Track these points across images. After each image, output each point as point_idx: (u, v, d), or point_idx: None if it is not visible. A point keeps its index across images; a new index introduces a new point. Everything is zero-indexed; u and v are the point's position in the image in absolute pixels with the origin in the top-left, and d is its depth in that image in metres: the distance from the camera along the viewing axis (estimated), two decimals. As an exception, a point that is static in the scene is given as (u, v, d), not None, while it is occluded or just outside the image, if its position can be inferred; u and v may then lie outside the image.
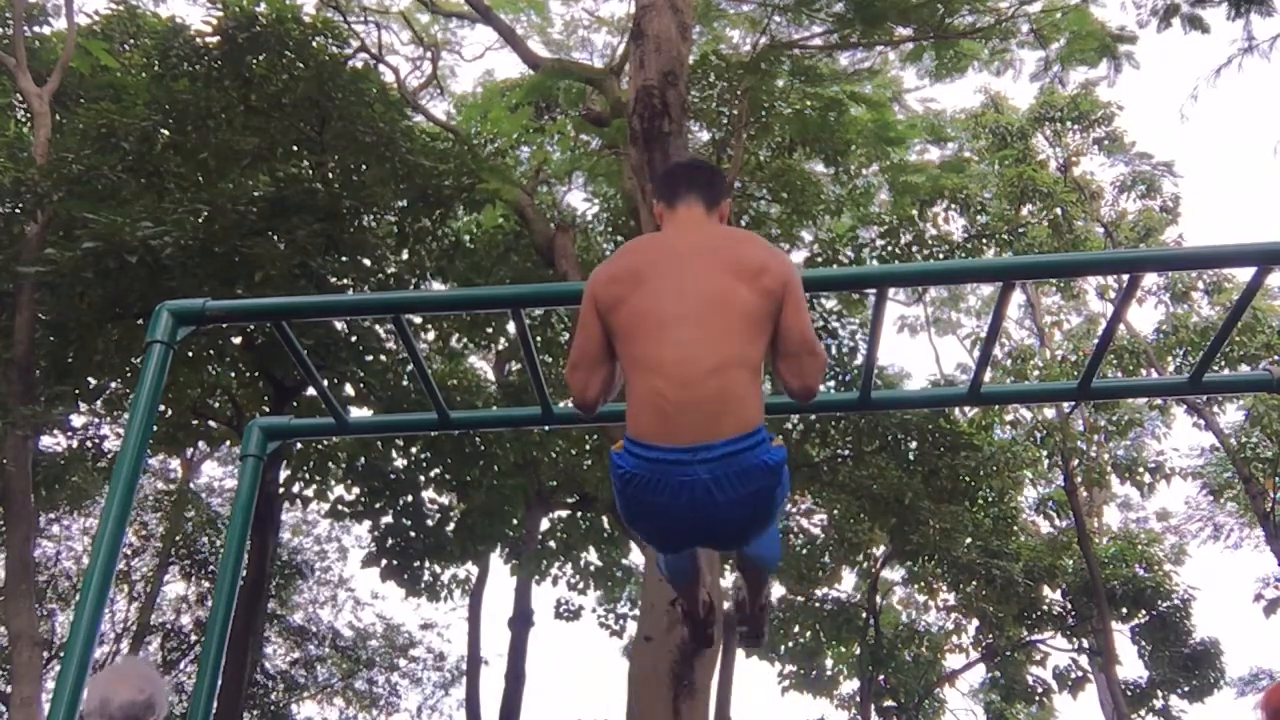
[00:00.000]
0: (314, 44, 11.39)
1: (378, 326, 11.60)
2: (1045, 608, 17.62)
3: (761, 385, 2.45)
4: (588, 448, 14.67)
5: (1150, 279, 18.37)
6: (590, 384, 2.55)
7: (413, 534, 14.05)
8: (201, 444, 16.44)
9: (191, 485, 19.78)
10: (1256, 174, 57.18)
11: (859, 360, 14.11)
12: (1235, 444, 17.37)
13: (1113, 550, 19.13)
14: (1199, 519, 22.47)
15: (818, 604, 18.22)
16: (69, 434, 13.65)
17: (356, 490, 13.77)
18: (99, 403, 12.81)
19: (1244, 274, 3.16)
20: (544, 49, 17.72)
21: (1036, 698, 18.85)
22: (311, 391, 11.45)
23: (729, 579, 11.94)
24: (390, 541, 14.03)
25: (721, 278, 2.43)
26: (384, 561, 14.12)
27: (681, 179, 2.75)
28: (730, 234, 2.64)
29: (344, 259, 11.14)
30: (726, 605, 10.58)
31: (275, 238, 10.28)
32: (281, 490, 13.16)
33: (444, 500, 14.80)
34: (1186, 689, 18.16)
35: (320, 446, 12.98)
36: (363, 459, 13.09)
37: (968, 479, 15.04)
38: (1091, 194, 20.47)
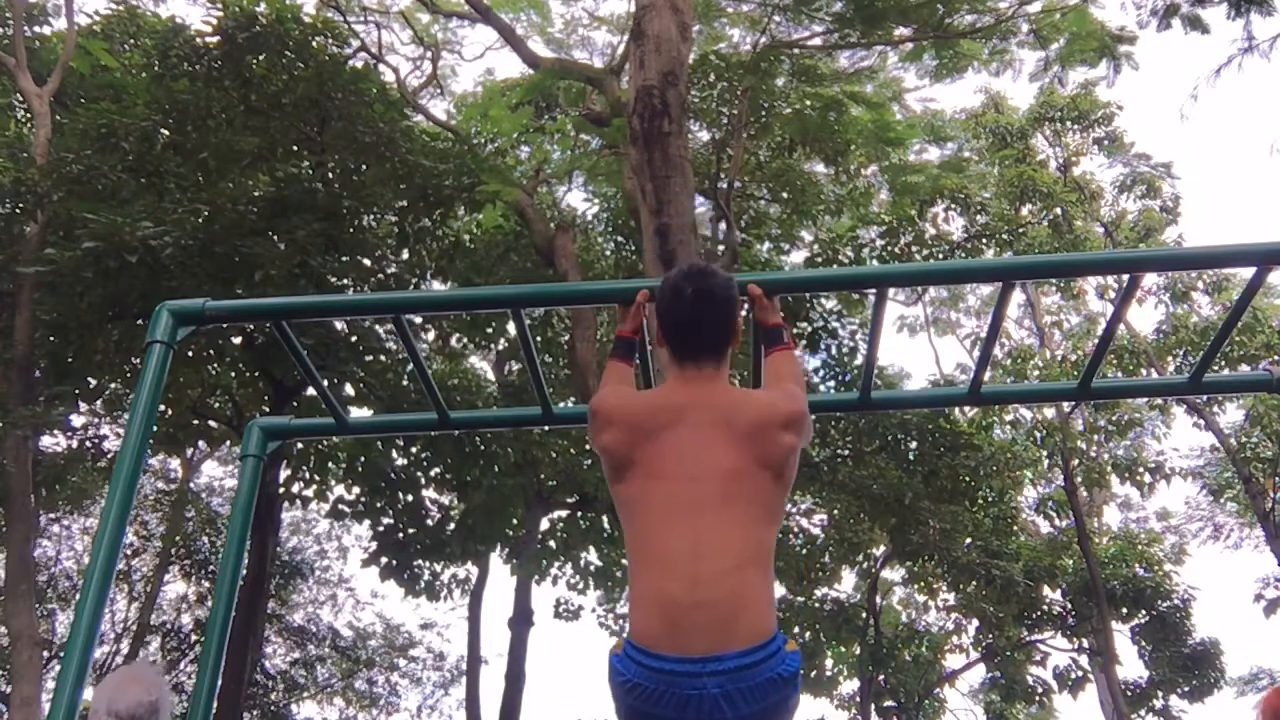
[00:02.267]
0: (314, 44, 11.40)
1: (378, 326, 11.60)
2: (1045, 608, 17.61)
3: (773, 580, 2.30)
4: (587, 447, 14.66)
5: (1150, 279, 18.37)
6: None
7: (412, 533, 14.06)
8: (201, 444, 16.44)
9: (191, 485, 19.78)
10: (1256, 174, 57.21)
11: (859, 360, 14.12)
12: (1235, 444, 17.37)
13: (1113, 550, 19.12)
14: (1199, 519, 22.50)
15: (818, 604, 18.20)
16: (69, 434, 13.64)
17: (356, 490, 13.76)
18: (99, 403, 12.81)
19: (1244, 274, 3.16)
20: (544, 48, 17.74)
21: (1036, 698, 18.83)
22: (311, 391, 11.46)
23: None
24: (390, 541, 14.03)
25: (742, 463, 2.24)
26: (383, 561, 14.12)
27: (689, 331, 2.43)
28: (753, 410, 2.34)
29: (344, 259, 11.14)
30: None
31: (275, 238, 10.29)
32: (281, 490, 13.16)
33: (444, 500, 14.80)
34: (1186, 689, 18.15)
35: (320, 446, 12.98)
36: (363, 459, 13.08)
37: (968, 479, 15.04)
38: (1091, 194, 20.47)
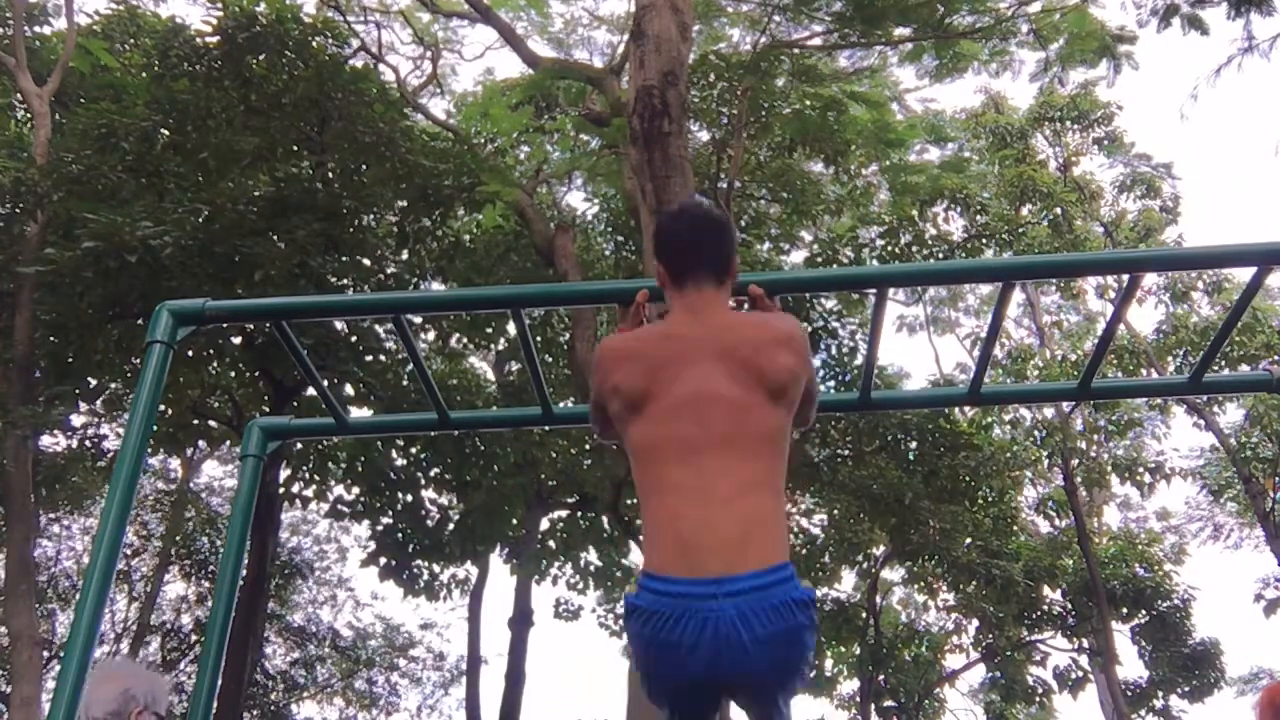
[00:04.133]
0: (314, 44, 11.40)
1: (378, 326, 11.60)
2: (1045, 608, 17.61)
3: (784, 510, 2.34)
4: (588, 447, 14.66)
5: (1150, 279, 18.35)
6: (609, 430, 2.55)
7: (412, 533, 14.06)
8: (201, 444, 16.44)
9: (191, 485, 19.78)
10: (1256, 174, 57.21)
11: (859, 360, 14.11)
12: (1235, 444, 17.37)
13: (1113, 550, 19.12)
14: (1199, 519, 22.49)
15: (817, 604, 18.17)
16: (69, 434, 13.64)
17: (356, 490, 13.77)
18: (99, 403, 12.81)
19: (1244, 274, 3.16)
20: (544, 47, 17.74)
21: (1036, 698, 18.83)
22: (311, 391, 11.46)
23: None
24: (389, 541, 14.04)
25: (745, 393, 2.29)
26: (383, 561, 14.12)
27: (689, 249, 2.48)
28: (750, 330, 2.43)
29: (344, 259, 11.14)
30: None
31: (275, 238, 10.29)
32: (281, 490, 13.16)
33: (444, 500, 14.80)
34: (1186, 689, 18.14)
35: (320, 446, 12.98)
36: (363, 459, 13.09)
37: (968, 479, 15.03)
38: (1091, 194, 20.45)
